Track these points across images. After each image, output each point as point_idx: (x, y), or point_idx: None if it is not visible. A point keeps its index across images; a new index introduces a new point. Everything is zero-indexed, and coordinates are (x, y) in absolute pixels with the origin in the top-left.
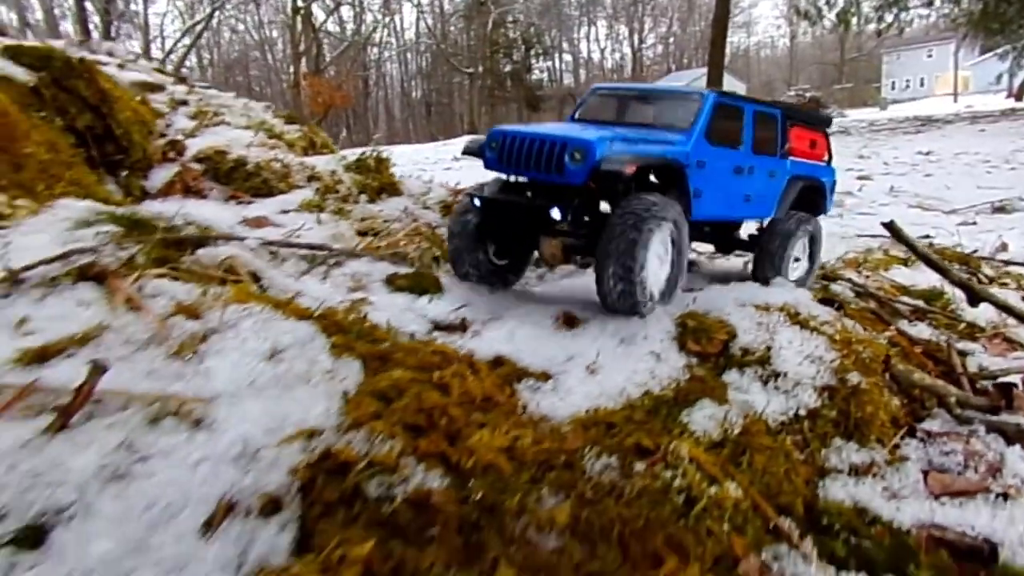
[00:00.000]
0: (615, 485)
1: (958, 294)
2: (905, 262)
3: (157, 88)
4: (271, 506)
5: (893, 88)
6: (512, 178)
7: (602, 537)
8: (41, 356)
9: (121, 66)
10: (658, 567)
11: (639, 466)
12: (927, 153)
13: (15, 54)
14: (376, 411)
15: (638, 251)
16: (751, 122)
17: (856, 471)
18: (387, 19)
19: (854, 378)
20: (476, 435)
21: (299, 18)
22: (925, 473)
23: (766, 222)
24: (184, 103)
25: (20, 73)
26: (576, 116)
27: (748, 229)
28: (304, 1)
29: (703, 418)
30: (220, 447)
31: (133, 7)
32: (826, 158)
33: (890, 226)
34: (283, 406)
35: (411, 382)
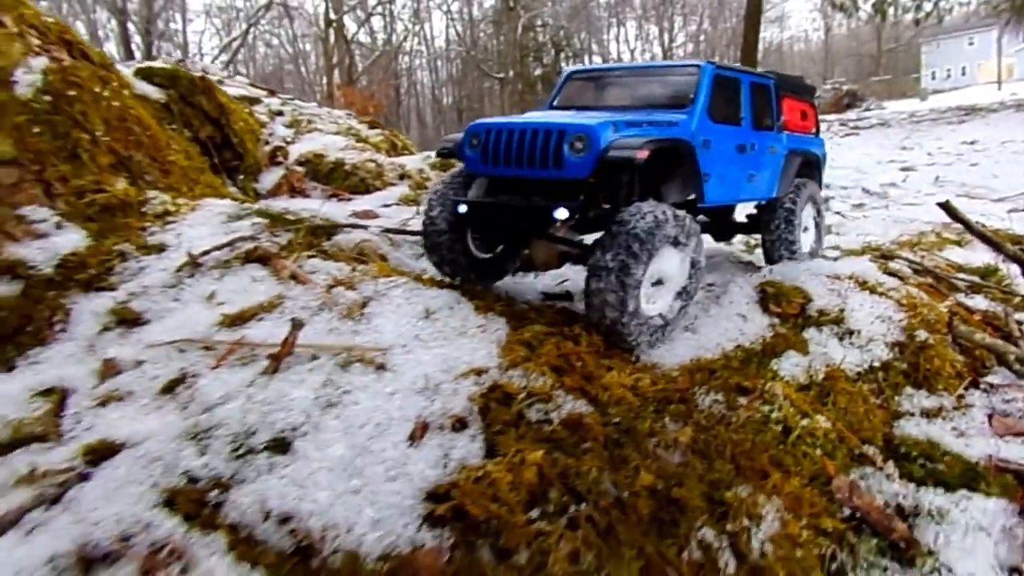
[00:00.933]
0: (723, 416)
1: (1013, 271)
2: (958, 243)
3: (255, 101)
4: (459, 424)
5: (933, 78)
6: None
7: (718, 455)
8: (239, 319)
9: (220, 82)
10: (765, 479)
11: (742, 401)
12: (972, 142)
13: (148, 75)
14: (526, 355)
15: (628, 289)
16: (748, 95)
17: (927, 414)
18: (417, 28)
19: (921, 335)
20: (606, 376)
21: (332, 31)
22: (989, 417)
23: (766, 200)
24: (280, 113)
25: (153, 91)
26: (554, 104)
27: (744, 209)
28: (336, 14)
29: (790, 366)
30: (406, 382)
31: (173, 26)
32: (814, 130)
33: (946, 206)
34: (450, 352)
35: (547, 335)
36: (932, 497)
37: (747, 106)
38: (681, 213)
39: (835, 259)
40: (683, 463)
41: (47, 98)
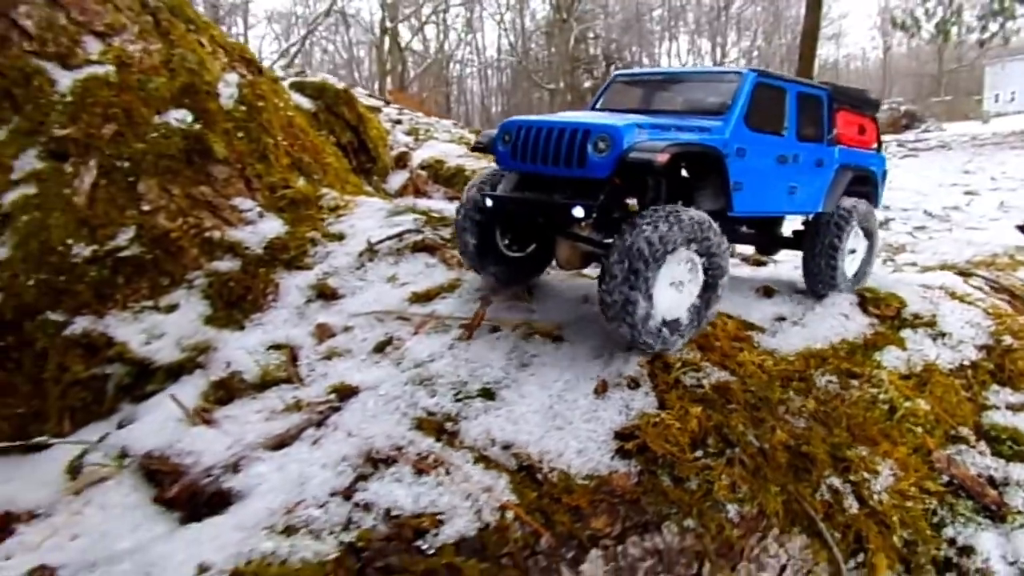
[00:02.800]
0: (838, 393)
1: None
2: None
3: (376, 110)
4: (633, 383)
5: (996, 100)
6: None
7: (835, 423)
8: (424, 297)
9: None
10: (876, 446)
11: (853, 383)
12: None
13: (300, 87)
14: None
15: (636, 294)
16: (795, 105)
17: (1012, 408)
18: (469, 37)
19: (1007, 340)
20: (740, 355)
21: (387, 38)
22: None
23: (812, 216)
24: (398, 122)
25: (305, 102)
26: (597, 106)
27: (792, 225)
28: (392, 22)
29: (891, 358)
30: (581, 351)
31: (235, 30)
32: (875, 145)
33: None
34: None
35: None
36: (1020, 471)
37: (792, 116)
38: (703, 219)
39: (920, 272)
40: (808, 428)
41: (243, 108)
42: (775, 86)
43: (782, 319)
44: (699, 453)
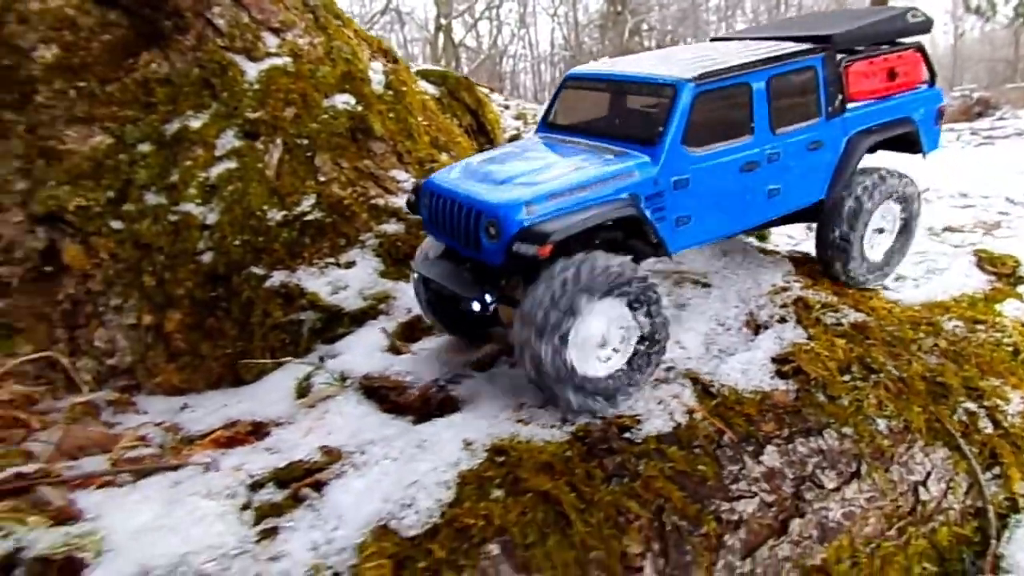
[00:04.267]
0: (965, 336)
1: None
2: None
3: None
4: (781, 320)
5: None
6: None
7: (965, 361)
8: None
9: None
10: (1004, 379)
11: (978, 327)
12: None
13: (425, 75)
14: (813, 280)
15: (545, 359)
16: (765, 96)
17: None
18: (522, 32)
19: None
20: (871, 301)
21: (440, 34)
22: None
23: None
24: (507, 107)
25: (431, 88)
26: (548, 119)
27: None
28: (445, 19)
29: (1011, 308)
30: (729, 295)
31: None
32: (925, 78)
33: None
34: (756, 277)
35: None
36: None
37: (762, 110)
38: (616, 267)
39: None
40: (940, 363)
41: (390, 92)
42: (729, 87)
43: (902, 278)
44: (846, 377)
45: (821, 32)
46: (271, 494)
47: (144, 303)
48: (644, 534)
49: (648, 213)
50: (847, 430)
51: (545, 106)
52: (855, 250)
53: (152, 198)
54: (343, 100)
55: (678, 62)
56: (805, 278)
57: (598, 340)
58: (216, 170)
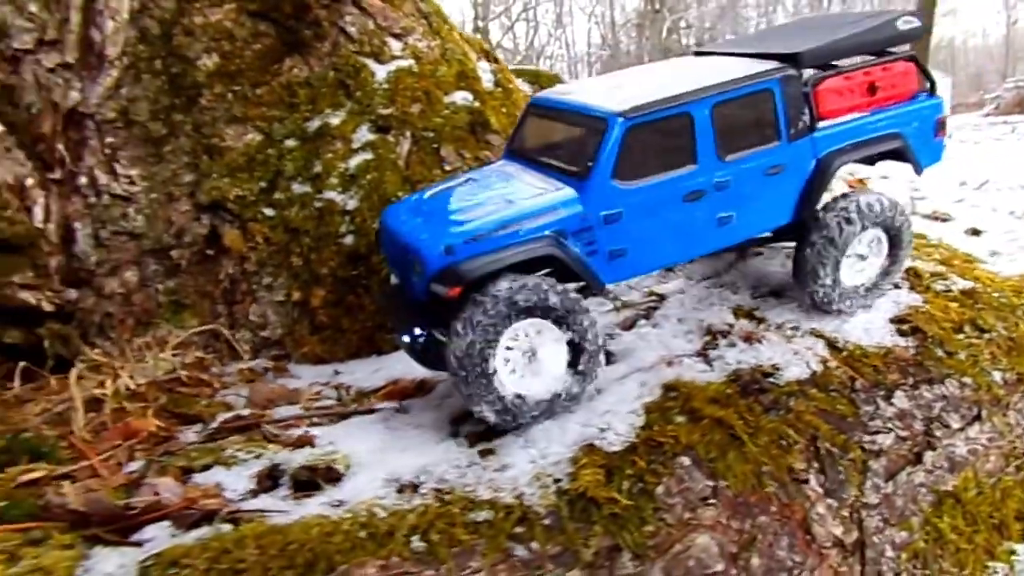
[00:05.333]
0: None
1: None
2: None
3: None
4: (896, 286)
5: None
6: None
7: None
8: None
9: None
10: None
11: None
12: None
13: (518, 74)
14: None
15: (473, 375)
16: (709, 123)
17: None
18: (559, 32)
19: None
20: (975, 271)
21: (478, 36)
22: None
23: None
24: None
25: (525, 87)
26: (511, 147)
27: None
28: (483, 20)
29: None
30: None
31: None
32: (919, 89)
33: None
34: None
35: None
36: None
37: (707, 138)
38: (537, 287)
39: None
40: None
41: (499, 89)
42: (667, 116)
43: (996, 254)
44: (960, 336)
45: (794, 47)
46: (473, 426)
47: (292, 281)
48: (804, 455)
49: (576, 249)
50: (966, 380)
51: (512, 133)
52: (827, 279)
53: (298, 187)
54: (461, 97)
55: (624, 89)
56: (912, 250)
57: (526, 360)
58: (354, 161)
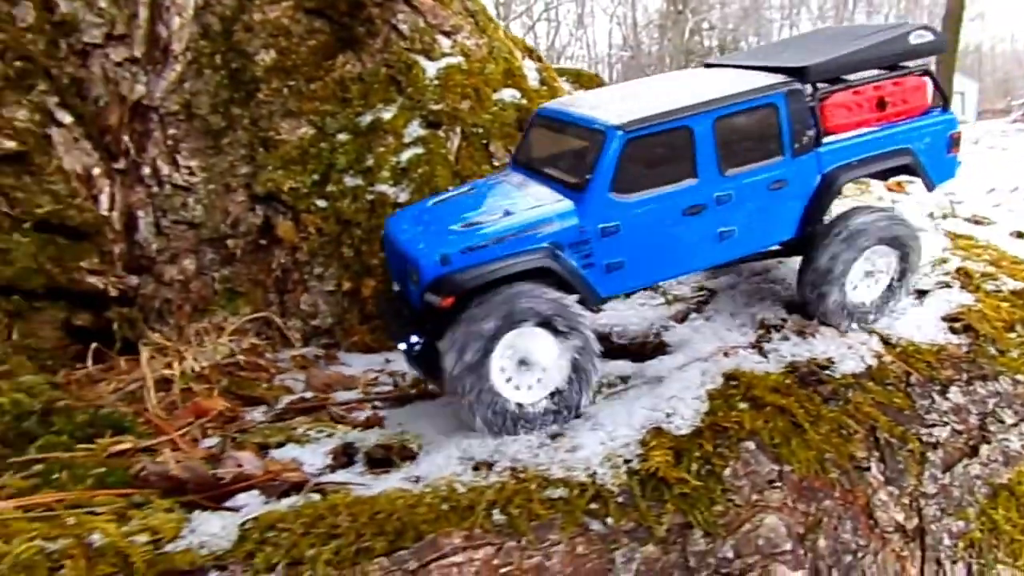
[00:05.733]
0: None
1: None
2: None
3: None
4: (947, 285)
5: None
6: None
7: None
8: None
9: None
10: None
11: None
12: None
13: (560, 73)
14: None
15: (471, 386)
16: (710, 137)
17: None
18: (580, 32)
19: None
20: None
21: None
22: None
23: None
24: None
25: (567, 86)
26: (516, 158)
27: None
28: (505, 20)
29: None
30: None
31: None
32: (932, 104)
33: None
34: None
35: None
36: None
37: (708, 152)
38: (532, 297)
39: None
40: None
41: (544, 87)
42: (667, 130)
43: None
44: (1013, 335)
45: (802, 61)
46: None
47: (343, 271)
48: (865, 444)
49: (573, 261)
50: (1019, 377)
51: (518, 143)
52: (832, 298)
53: (350, 180)
54: (509, 94)
55: (626, 102)
56: (960, 251)
57: (525, 366)
58: (406, 155)
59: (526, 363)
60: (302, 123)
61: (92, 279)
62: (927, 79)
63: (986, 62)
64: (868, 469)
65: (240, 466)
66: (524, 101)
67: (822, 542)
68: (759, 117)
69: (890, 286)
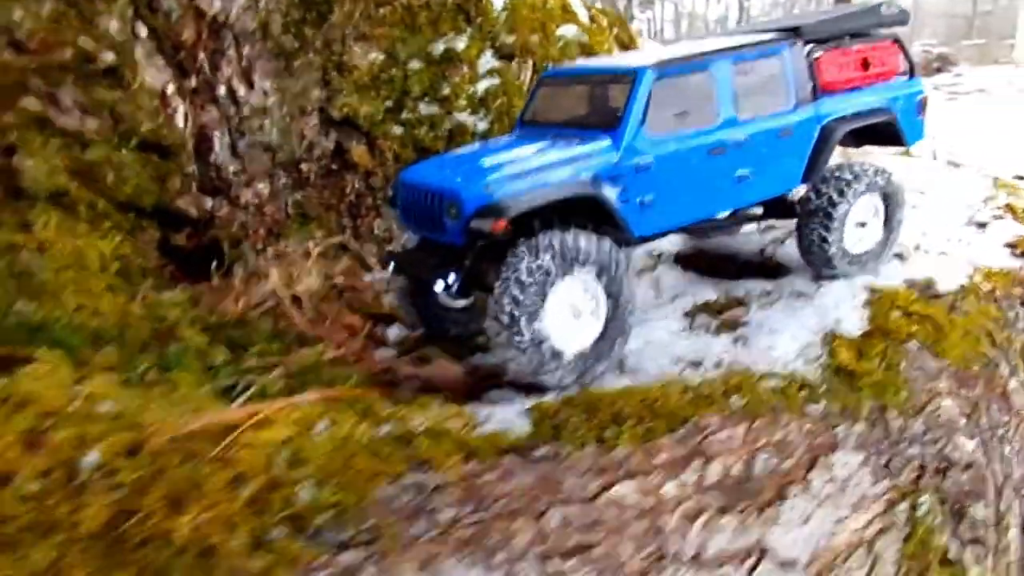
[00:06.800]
0: None
1: None
2: None
3: None
4: (999, 218)
5: None
6: None
7: None
8: None
9: None
10: None
11: None
12: None
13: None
14: None
15: (521, 331)
16: (729, 80)
17: None
18: None
19: None
20: None
21: None
22: None
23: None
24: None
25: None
26: (524, 117)
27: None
28: None
29: None
30: (948, 202)
31: None
32: (902, 70)
33: None
34: (966, 190)
35: None
36: None
37: (727, 96)
38: (585, 241)
39: None
40: None
41: (594, 25)
42: (690, 71)
43: None
44: None
45: (798, 24)
46: (706, 319)
47: None
48: (988, 344)
49: (610, 195)
50: None
51: (523, 107)
52: (834, 247)
53: (425, 108)
54: (569, 30)
55: (646, 52)
56: (1003, 189)
57: (571, 314)
58: (482, 85)
59: (570, 307)
60: (372, 48)
61: (180, 201)
62: (897, 46)
63: None
64: (998, 365)
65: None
66: (585, 38)
67: (983, 420)
68: (767, 66)
69: (882, 235)
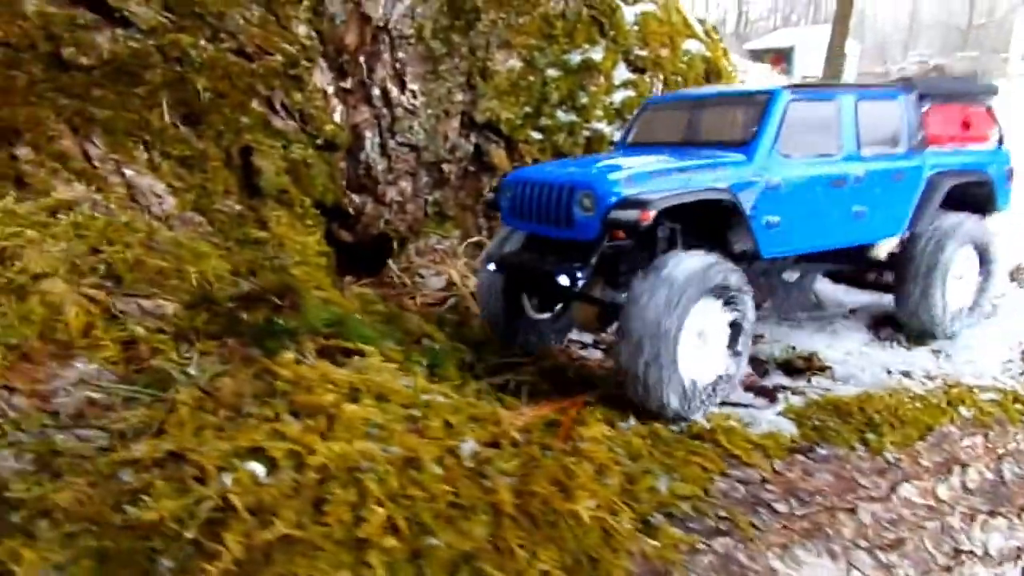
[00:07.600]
0: None
1: None
2: None
3: None
4: None
5: None
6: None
7: None
8: None
9: None
10: None
11: None
12: None
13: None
14: None
15: (662, 355)
16: (854, 116)
17: None
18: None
19: None
20: None
21: None
22: None
23: (903, 236)
24: None
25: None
26: (627, 140)
27: (888, 245)
28: None
29: None
30: None
31: None
32: (993, 138)
33: None
34: None
35: None
36: None
37: (851, 129)
38: (722, 264)
39: None
40: None
41: (709, 40)
42: (820, 99)
43: None
44: None
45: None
46: (889, 333)
47: None
48: None
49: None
50: None
51: (624, 131)
52: (937, 301)
53: (563, 116)
54: (693, 45)
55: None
56: None
57: (701, 338)
58: (617, 96)
59: (700, 335)
60: (512, 55)
61: (343, 198)
62: (991, 115)
63: (868, 24)
64: None
65: None
66: (707, 52)
67: None
68: (887, 108)
69: (978, 286)
